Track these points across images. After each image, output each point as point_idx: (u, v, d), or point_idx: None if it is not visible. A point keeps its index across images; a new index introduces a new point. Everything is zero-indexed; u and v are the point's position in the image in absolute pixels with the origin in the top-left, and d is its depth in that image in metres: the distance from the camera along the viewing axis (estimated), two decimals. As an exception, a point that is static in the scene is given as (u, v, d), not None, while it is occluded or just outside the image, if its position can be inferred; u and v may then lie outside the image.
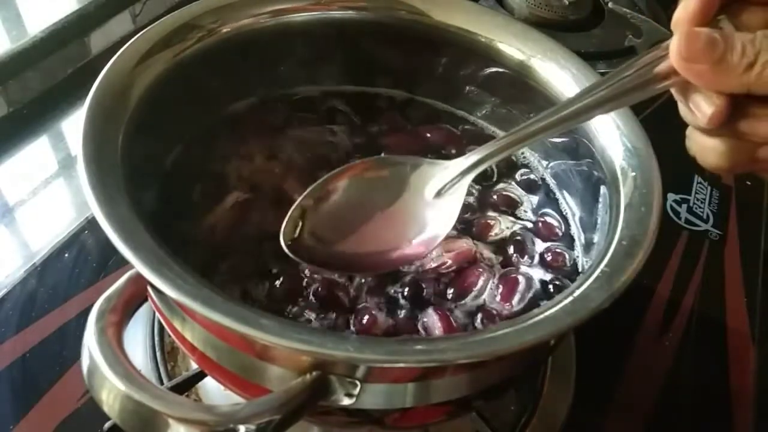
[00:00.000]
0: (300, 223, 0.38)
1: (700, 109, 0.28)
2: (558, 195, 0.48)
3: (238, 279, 0.39)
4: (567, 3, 0.82)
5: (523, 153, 0.50)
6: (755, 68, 0.26)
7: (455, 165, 0.39)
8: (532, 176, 0.49)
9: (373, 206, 0.40)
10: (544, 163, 0.49)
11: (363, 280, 0.40)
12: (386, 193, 0.40)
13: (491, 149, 0.37)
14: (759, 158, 0.29)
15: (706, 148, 0.30)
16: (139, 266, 0.29)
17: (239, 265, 0.40)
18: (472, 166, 0.38)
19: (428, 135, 0.50)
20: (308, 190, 0.39)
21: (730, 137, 0.29)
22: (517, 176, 0.49)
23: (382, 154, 0.47)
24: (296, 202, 0.38)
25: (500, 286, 0.41)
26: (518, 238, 0.44)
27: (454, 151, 0.49)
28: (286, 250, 0.37)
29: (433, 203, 0.39)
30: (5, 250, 0.56)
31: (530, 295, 0.41)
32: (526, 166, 0.50)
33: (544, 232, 0.45)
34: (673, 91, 0.30)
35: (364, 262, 0.39)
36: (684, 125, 0.31)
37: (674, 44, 0.27)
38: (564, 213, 0.47)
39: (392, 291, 0.40)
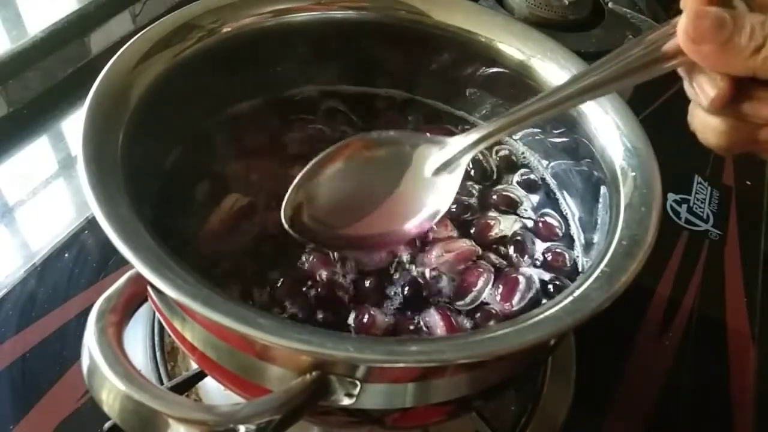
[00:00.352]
0: (300, 202, 0.38)
1: (703, 90, 0.27)
2: (558, 195, 0.48)
3: (238, 279, 0.39)
4: (567, 3, 0.82)
5: (523, 153, 0.50)
6: (762, 52, 0.25)
7: (455, 143, 0.39)
8: (532, 176, 0.49)
9: (372, 184, 0.40)
10: (544, 163, 0.49)
11: (366, 283, 0.40)
12: (385, 170, 0.40)
13: (492, 128, 0.36)
14: (759, 139, 0.28)
15: (707, 126, 0.29)
16: (139, 266, 0.29)
17: (239, 265, 0.40)
18: (473, 144, 0.37)
19: (428, 135, 0.50)
20: (307, 168, 0.39)
21: (732, 117, 0.28)
22: (517, 176, 0.49)
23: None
24: (294, 182, 0.38)
25: (500, 286, 0.41)
26: (518, 238, 0.44)
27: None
28: (288, 229, 0.37)
29: (432, 180, 0.39)
30: (5, 250, 0.56)
31: (530, 295, 0.41)
32: (526, 166, 0.50)
33: (544, 232, 0.45)
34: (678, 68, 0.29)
35: (364, 240, 0.39)
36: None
37: (682, 22, 0.27)
38: (564, 213, 0.47)
39: (392, 291, 0.40)
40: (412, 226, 0.39)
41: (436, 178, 0.39)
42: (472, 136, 0.37)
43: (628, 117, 0.42)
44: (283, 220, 0.38)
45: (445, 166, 0.39)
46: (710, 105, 0.27)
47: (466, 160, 0.39)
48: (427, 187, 0.39)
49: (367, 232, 0.39)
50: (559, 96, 0.33)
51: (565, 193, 0.48)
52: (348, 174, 0.40)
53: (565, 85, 0.33)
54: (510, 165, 0.50)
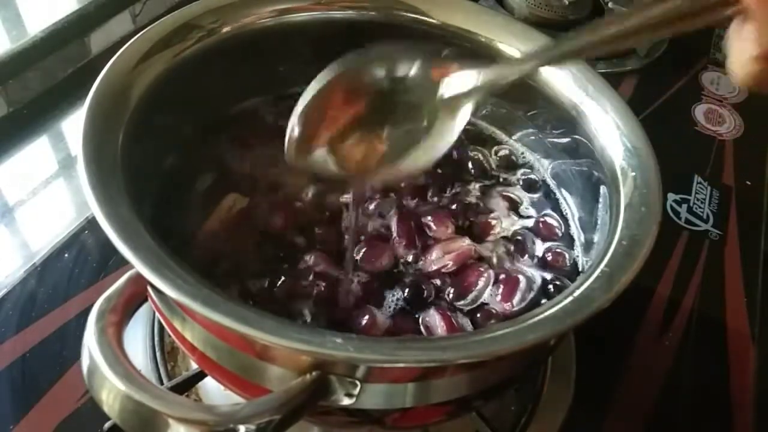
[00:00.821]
0: (302, 136, 0.36)
1: (750, 42, 0.27)
2: (558, 195, 0.48)
3: (238, 278, 0.39)
4: (567, 3, 0.82)
5: (523, 153, 0.50)
6: None
7: (473, 75, 0.35)
8: (532, 176, 0.49)
9: (374, 111, 0.37)
10: (545, 163, 0.49)
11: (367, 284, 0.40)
12: (386, 94, 0.37)
13: (519, 66, 0.34)
14: None
15: (740, 61, 0.28)
16: (139, 266, 0.29)
17: (239, 264, 0.40)
18: (489, 83, 0.35)
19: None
20: (306, 100, 0.36)
21: None
22: (518, 176, 0.49)
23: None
24: (294, 114, 0.36)
25: (500, 286, 0.41)
26: (518, 238, 0.44)
27: (455, 154, 0.49)
28: (292, 160, 0.36)
29: (439, 107, 0.36)
30: (5, 250, 0.56)
31: (531, 295, 0.41)
32: (526, 165, 0.50)
33: (544, 232, 0.45)
34: None
35: (370, 173, 0.37)
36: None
37: None
38: (564, 213, 0.47)
39: (393, 292, 0.40)
40: (418, 159, 0.36)
41: (443, 107, 0.36)
42: (490, 72, 0.35)
43: (628, 117, 0.42)
44: (287, 156, 0.36)
45: (456, 98, 0.36)
46: (753, 58, 0.27)
47: (476, 96, 0.35)
48: (434, 114, 0.36)
49: (373, 164, 0.37)
50: (594, 37, 0.30)
51: (565, 193, 0.48)
52: (347, 103, 0.37)
53: (601, 24, 0.30)
54: (510, 165, 0.50)
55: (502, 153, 0.50)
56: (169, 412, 0.28)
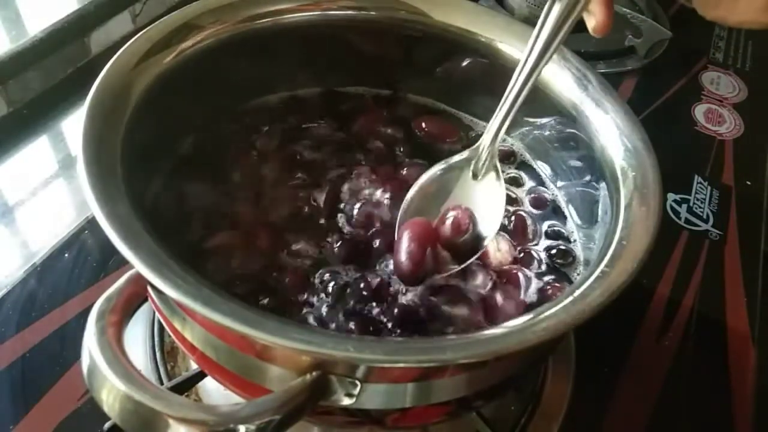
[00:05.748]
0: None
1: None
2: (558, 195, 0.48)
3: (238, 279, 0.39)
4: (567, 3, 0.81)
5: (522, 153, 0.50)
6: None
7: (481, 142, 0.42)
8: (531, 176, 0.49)
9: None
10: (544, 163, 0.49)
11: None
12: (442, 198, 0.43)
13: (501, 115, 0.40)
14: None
15: None
16: (138, 266, 0.29)
17: (239, 264, 0.40)
18: (495, 134, 0.41)
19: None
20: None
21: None
22: (517, 176, 0.49)
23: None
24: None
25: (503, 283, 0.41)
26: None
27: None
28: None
29: (477, 187, 0.43)
30: (5, 250, 0.56)
31: (530, 294, 0.41)
32: (525, 165, 0.50)
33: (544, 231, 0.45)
34: None
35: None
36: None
37: None
38: (564, 213, 0.47)
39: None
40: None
41: (478, 183, 0.43)
42: (492, 128, 0.41)
43: (628, 117, 0.42)
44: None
45: (480, 168, 0.42)
46: None
47: (495, 152, 0.42)
48: (475, 194, 0.42)
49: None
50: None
51: (564, 192, 0.48)
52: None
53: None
54: (509, 164, 0.50)
55: (501, 152, 0.50)
56: (169, 412, 0.28)
